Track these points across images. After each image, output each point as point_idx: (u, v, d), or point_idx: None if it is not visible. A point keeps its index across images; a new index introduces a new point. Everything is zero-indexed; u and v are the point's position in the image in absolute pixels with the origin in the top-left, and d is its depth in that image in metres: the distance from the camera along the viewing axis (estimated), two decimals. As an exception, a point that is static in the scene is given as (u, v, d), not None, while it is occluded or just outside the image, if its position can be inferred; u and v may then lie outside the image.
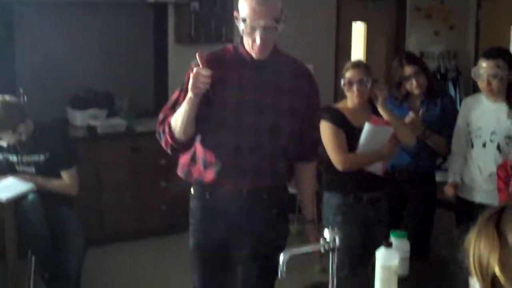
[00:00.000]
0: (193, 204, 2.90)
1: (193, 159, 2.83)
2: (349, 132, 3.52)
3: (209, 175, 2.78)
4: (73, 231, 3.94)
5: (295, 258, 2.02)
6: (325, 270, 5.09)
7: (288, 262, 1.98)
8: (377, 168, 3.59)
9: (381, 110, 3.56)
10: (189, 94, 2.57)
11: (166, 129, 2.73)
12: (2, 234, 3.82)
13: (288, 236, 2.98)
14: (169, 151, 2.81)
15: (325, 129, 3.49)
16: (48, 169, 3.87)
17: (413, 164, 4.03)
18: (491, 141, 3.71)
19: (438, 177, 4.27)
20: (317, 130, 3.03)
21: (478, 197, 3.77)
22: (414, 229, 3.76)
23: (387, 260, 2.33)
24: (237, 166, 2.76)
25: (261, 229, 2.81)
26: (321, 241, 1.85)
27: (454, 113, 4.02)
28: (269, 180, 2.82)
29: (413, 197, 4.09)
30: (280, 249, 2.37)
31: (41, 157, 3.85)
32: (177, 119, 2.67)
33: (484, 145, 3.74)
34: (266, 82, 2.75)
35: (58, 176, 3.90)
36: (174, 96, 2.81)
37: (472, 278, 1.38)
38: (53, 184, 3.90)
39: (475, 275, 1.36)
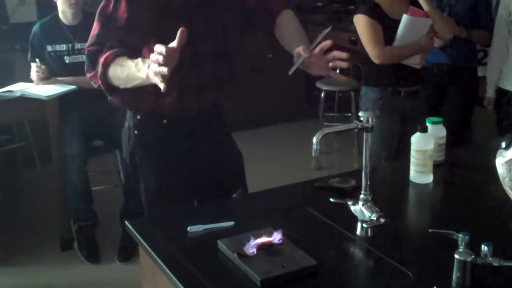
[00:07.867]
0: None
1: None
2: (386, 25, 3.46)
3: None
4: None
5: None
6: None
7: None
8: (415, 61, 3.54)
9: (421, 0, 3.49)
10: (151, 77, 1.91)
11: (100, 70, 2.12)
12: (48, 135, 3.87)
13: None
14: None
15: (361, 22, 3.45)
16: None
17: (453, 60, 3.98)
18: None
19: (480, 72, 4.21)
20: None
21: None
22: (452, 123, 3.75)
23: (422, 145, 2.33)
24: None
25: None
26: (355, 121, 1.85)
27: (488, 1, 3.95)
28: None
29: (452, 91, 4.06)
30: None
31: None
32: (121, 80, 2.10)
33: (525, 34, 3.67)
34: None
35: None
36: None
37: None
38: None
39: None
